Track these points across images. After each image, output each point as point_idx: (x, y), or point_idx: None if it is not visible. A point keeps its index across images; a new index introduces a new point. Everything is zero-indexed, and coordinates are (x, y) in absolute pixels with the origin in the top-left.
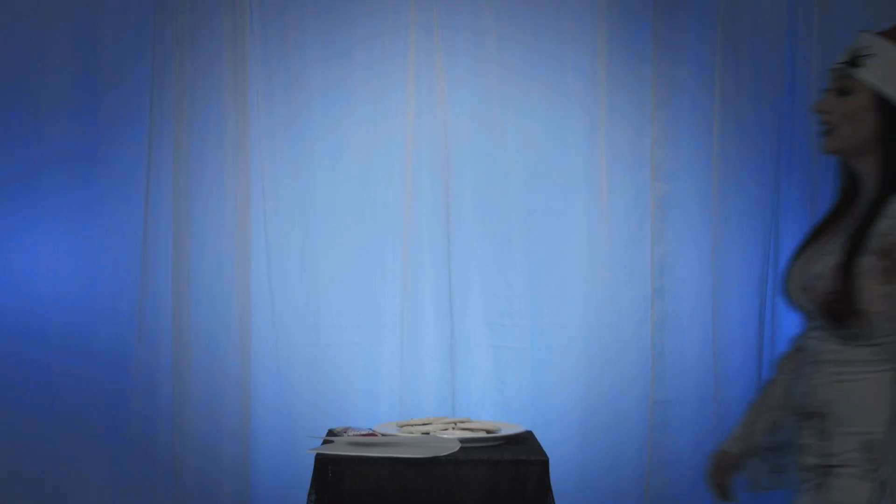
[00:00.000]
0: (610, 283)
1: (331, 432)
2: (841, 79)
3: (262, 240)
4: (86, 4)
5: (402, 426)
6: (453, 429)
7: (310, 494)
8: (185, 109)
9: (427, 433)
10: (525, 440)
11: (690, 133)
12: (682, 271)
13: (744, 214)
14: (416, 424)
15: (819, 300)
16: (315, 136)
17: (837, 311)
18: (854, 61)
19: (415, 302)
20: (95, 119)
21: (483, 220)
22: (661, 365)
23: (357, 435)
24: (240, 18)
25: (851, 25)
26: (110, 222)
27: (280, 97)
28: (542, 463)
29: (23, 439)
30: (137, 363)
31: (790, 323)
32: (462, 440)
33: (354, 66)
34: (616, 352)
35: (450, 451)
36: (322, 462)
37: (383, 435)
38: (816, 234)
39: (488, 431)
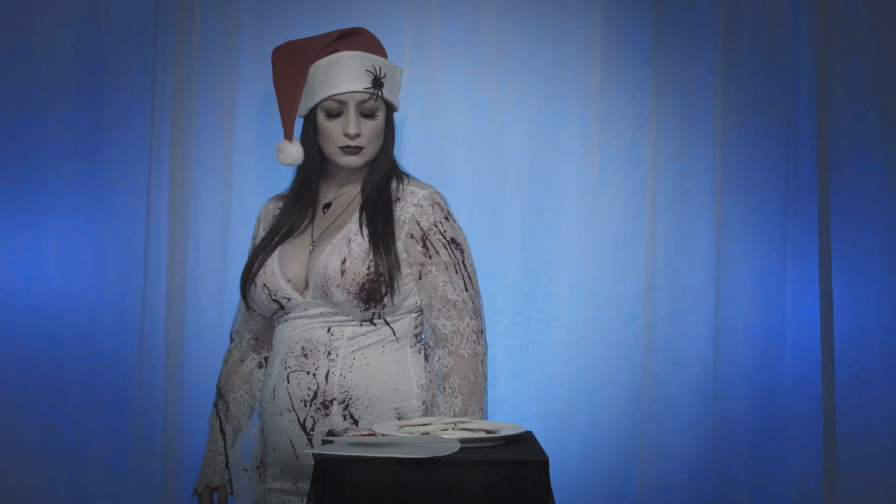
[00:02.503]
0: (606, 283)
1: (330, 432)
2: (368, 102)
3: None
4: (89, 9)
5: (401, 426)
6: (453, 429)
7: (310, 494)
8: (182, 111)
9: (427, 433)
10: (525, 440)
11: (689, 133)
12: (679, 270)
13: (743, 214)
14: (415, 425)
15: (359, 283)
16: None
17: (374, 293)
18: (378, 82)
19: None
20: (100, 121)
21: (478, 219)
22: (655, 362)
23: (357, 435)
24: (239, 19)
25: (853, 25)
26: (116, 222)
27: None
28: (542, 463)
29: (31, 439)
30: (140, 362)
31: (792, 319)
32: (462, 440)
33: None
34: (609, 350)
35: (450, 452)
36: (322, 462)
37: (383, 435)
38: (281, 233)
39: (488, 432)
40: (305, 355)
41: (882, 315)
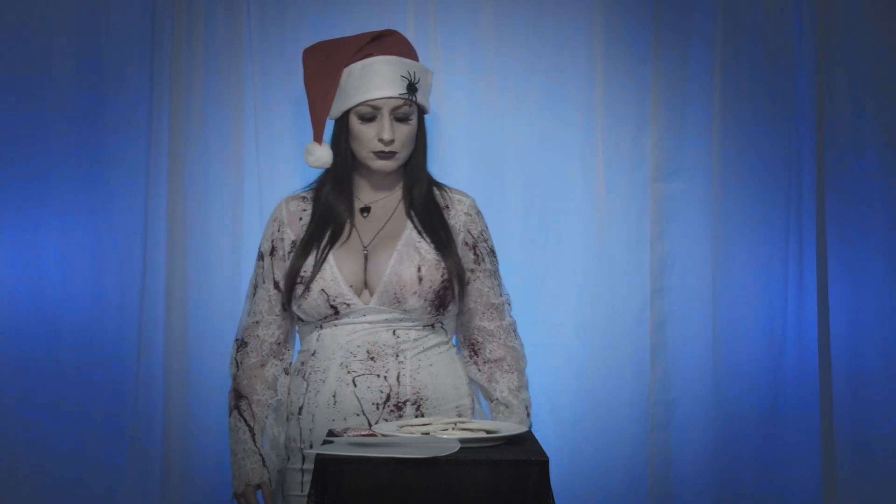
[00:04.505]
0: (608, 283)
1: (330, 432)
2: (402, 107)
3: (258, 241)
4: (89, 9)
5: (401, 426)
6: (453, 429)
7: (310, 495)
8: (180, 112)
9: (427, 433)
10: (525, 440)
11: (691, 133)
12: (683, 271)
13: (745, 214)
14: (415, 425)
15: (435, 289)
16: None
17: (444, 298)
18: (413, 88)
19: None
20: (100, 122)
21: None
22: (662, 365)
23: (357, 435)
24: (238, 20)
25: (853, 25)
26: (116, 222)
27: (277, 97)
28: (542, 463)
29: (31, 438)
30: (139, 361)
31: (795, 319)
32: (462, 440)
33: None
34: (615, 351)
35: (450, 452)
36: (322, 462)
37: (383, 435)
38: (327, 237)
39: (488, 431)
40: (372, 358)
41: (881, 315)
